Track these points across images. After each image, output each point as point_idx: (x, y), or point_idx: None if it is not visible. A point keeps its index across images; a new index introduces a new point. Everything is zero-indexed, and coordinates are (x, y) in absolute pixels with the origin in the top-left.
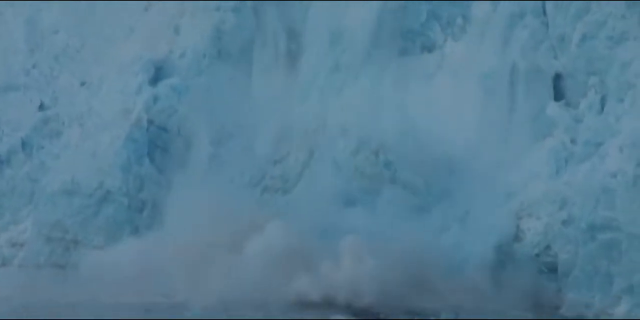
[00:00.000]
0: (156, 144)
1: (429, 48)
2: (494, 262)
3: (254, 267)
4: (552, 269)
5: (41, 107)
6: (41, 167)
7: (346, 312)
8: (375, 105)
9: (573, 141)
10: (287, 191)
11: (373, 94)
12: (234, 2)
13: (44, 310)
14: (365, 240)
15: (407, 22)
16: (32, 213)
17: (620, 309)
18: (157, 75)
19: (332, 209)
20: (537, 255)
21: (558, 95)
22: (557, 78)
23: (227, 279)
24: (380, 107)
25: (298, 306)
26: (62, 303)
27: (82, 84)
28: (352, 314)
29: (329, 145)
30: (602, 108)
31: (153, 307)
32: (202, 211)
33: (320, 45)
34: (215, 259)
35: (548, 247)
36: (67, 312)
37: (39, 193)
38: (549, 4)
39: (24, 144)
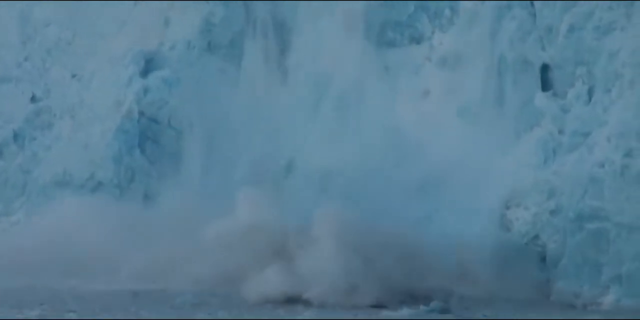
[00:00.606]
0: (147, 136)
1: (417, 40)
2: (482, 252)
3: (240, 257)
4: (541, 259)
5: (33, 99)
6: (33, 158)
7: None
8: (361, 111)
9: (561, 131)
10: None
11: (361, 95)
12: None
13: (32, 298)
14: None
15: (395, 14)
16: (24, 204)
17: (609, 298)
18: (148, 67)
19: None
20: (526, 244)
21: (546, 86)
22: (545, 69)
23: (213, 269)
24: (366, 115)
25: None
26: (51, 290)
27: (74, 76)
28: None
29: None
30: (590, 98)
31: (141, 293)
32: (191, 202)
33: (311, 42)
34: (203, 250)
35: (536, 236)
36: (55, 300)
37: (31, 184)
38: None
39: (16, 136)
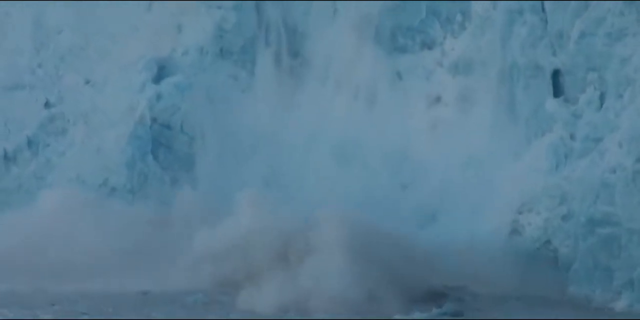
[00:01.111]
0: (160, 142)
1: (428, 45)
2: (494, 256)
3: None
4: (553, 264)
5: (47, 105)
6: (47, 164)
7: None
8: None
9: (572, 137)
10: None
11: (372, 100)
12: (236, 1)
13: (44, 299)
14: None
15: (406, 19)
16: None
17: (621, 304)
18: (161, 73)
19: None
20: (538, 249)
21: (557, 92)
22: (556, 74)
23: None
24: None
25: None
26: (62, 291)
27: (87, 82)
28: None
29: None
30: (601, 104)
31: (150, 293)
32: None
33: (322, 47)
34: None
35: (548, 241)
36: (66, 301)
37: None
38: (547, 1)
39: (30, 142)
